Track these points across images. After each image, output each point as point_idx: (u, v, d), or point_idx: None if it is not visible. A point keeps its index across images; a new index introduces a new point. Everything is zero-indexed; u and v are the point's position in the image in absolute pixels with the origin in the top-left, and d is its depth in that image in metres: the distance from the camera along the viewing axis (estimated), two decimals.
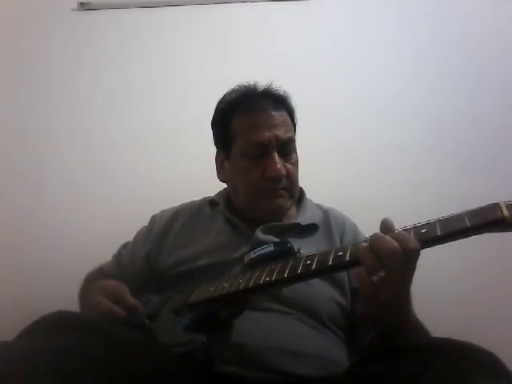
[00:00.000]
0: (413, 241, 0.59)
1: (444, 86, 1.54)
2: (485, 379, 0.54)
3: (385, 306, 0.62)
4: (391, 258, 0.58)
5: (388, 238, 0.60)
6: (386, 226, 0.63)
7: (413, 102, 1.53)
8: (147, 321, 0.82)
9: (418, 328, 0.75)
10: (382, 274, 0.59)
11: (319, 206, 1.08)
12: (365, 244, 0.61)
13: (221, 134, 1.04)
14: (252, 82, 1.03)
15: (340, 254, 0.65)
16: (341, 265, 0.64)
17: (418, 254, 0.59)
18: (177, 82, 1.60)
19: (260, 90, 1.02)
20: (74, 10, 1.66)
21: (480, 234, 0.55)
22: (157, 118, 1.58)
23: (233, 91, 1.04)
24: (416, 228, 0.60)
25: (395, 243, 0.59)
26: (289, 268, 0.68)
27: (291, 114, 1.03)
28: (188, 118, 1.55)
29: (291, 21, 1.62)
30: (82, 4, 1.66)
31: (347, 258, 0.63)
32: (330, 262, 0.65)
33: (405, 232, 0.61)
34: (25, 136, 1.59)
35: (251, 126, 0.96)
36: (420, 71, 1.56)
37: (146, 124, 1.58)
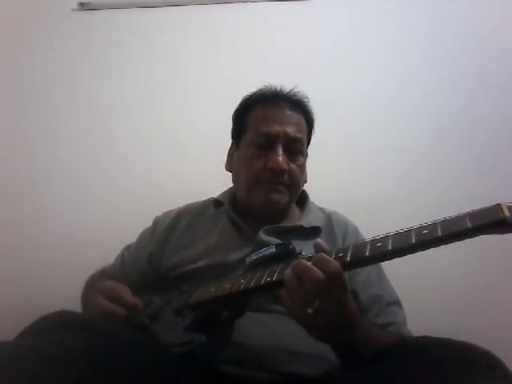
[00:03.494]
0: (333, 262, 0.61)
1: (444, 86, 1.54)
2: (484, 379, 0.53)
3: (323, 329, 0.63)
4: (315, 284, 0.60)
5: (309, 264, 0.61)
6: (317, 249, 0.65)
7: (413, 102, 1.53)
8: (148, 321, 0.82)
9: (381, 341, 0.73)
10: (316, 305, 0.60)
11: (322, 210, 1.08)
12: (289, 271, 0.63)
13: (237, 125, 1.07)
14: (279, 85, 1.05)
15: (341, 254, 0.65)
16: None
17: (340, 274, 0.61)
18: (177, 81, 1.60)
19: (283, 92, 1.04)
20: (74, 10, 1.66)
21: (482, 235, 0.55)
22: (157, 118, 1.58)
23: (259, 89, 1.06)
24: (417, 229, 0.60)
25: (317, 270, 0.60)
26: None
27: (308, 120, 1.05)
28: (188, 117, 1.55)
29: (291, 21, 1.62)
30: (82, 4, 1.66)
31: (348, 259, 0.63)
32: None
33: (324, 255, 0.62)
34: (24, 136, 1.60)
35: (264, 118, 1.00)
36: (420, 71, 1.55)
37: (146, 124, 1.58)
